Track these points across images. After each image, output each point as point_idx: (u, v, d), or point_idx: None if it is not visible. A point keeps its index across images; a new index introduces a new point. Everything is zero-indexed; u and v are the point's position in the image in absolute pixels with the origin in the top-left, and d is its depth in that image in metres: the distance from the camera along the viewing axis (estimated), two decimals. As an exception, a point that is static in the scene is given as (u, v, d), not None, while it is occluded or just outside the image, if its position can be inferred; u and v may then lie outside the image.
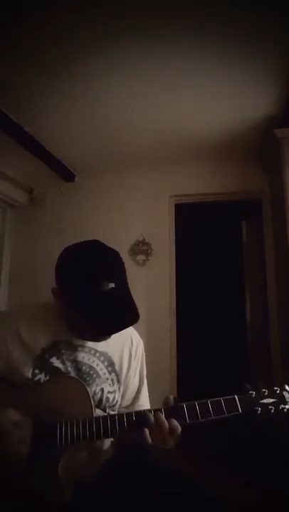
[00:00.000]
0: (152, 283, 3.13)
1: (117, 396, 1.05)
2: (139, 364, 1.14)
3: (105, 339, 0.99)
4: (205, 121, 2.58)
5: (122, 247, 3.22)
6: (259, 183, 3.11)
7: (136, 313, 0.90)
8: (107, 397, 1.02)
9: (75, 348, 1.01)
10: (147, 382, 1.16)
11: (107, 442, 1.03)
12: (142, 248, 3.21)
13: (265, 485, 2.15)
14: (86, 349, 1.02)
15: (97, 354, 1.03)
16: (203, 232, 4.37)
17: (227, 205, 3.45)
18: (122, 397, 1.09)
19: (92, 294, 0.87)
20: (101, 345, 1.04)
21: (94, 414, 0.90)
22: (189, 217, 3.56)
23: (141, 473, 0.96)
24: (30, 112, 2.42)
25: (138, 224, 3.27)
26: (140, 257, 3.20)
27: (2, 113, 2.36)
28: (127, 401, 1.11)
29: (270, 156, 2.74)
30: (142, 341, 1.17)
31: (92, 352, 1.03)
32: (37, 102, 2.30)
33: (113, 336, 0.98)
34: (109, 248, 0.96)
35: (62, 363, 0.98)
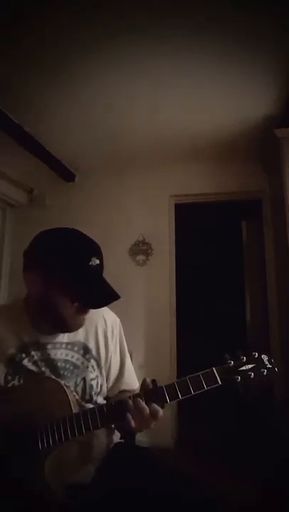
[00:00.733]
0: (152, 283, 3.13)
1: (100, 381, 1.05)
2: (118, 342, 1.13)
3: (79, 327, 0.99)
4: (205, 121, 2.58)
5: (122, 247, 3.23)
6: (259, 183, 3.11)
7: (116, 292, 0.94)
8: (91, 385, 1.02)
9: (44, 347, 0.99)
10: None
11: (98, 437, 1.02)
12: (142, 248, 3.21)
13: (265, 485, 2.15)
14: (57, 345, 1.00)
15: (69, 346, 1.02)
16: (203, 232, 4.37)
17: (227, 205, 3.45)
18: (107, 379, 1.09)
19: (83, 266, 0.90)
20: (70, 336, 1.02)
21: (74, 410, 0.90)
22: (189, 217, 3.56)
23: (138, 472, 0.96)
24: (30, 112, 2.42)
25: (138, 224, 3.27)
26: (140, 257, 3.20)
27: (2, 113, 2.36)
28: (112, 380, 1.10)
29: (270, 156, 2.74)
30: (117, 318, 1.16)
31: (64, 346, 1.01)
32: (37, 102, 2.30)
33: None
34: (83, 232, 1.00)
35: (35, 364, 0.97)
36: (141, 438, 2.94)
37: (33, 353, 0.98)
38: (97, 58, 1.92)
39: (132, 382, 1.14)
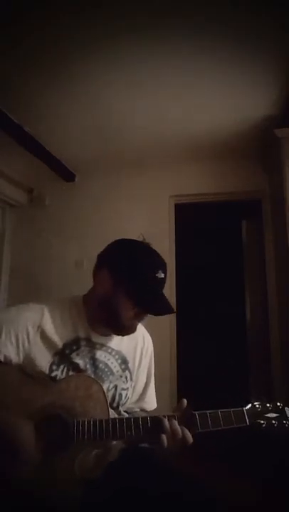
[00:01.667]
0: (152, 283, 3.12)
1: (129, 393, 1.09)
2: (148, 361, 1.19)
3: (132, 331, 1.05)
4: (205, 121, 2.58)
5: (122, 247, 3.22)
6: (259, 183, 3.10)
7: (172, 306, 1.02)
8: (120, 394, 1.06)
9: (93, 346, 1.04)
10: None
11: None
12: (142, 248, 3.21)
13: (265, 485, 2.15)
14: (103, 347, 1.06)
15: (113, 352, 1.08)
16: (203, 232, 4.37)
17: (227, 205, 3.45)
18: (132, 393, 1.12)
19: (151, 277, 0.99)
20: (115, 344, 1.09)
21: (109, 414, 0.93)
22: (189, 217, 3.56)
23: (142, 472, 0.97)
24: (30, 112, 2.42)
25: (138, 224, 3.26)
26: (140, 257, 3.19)
27: (2, 113, 2.36)
28: (135, 396, 1.14)
29: (270, 156, 2.74)
30: (151, 341, 1.23)
31: (109, 350, 1.07)
32: (37, 102, 2.30)
33: (126, 336, 1.06)
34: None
35: (82, 359, 1.01)
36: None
37: (83, 348, 1.03)
38: (97, 58, 1.92)
39: (152, 402, 1.19)
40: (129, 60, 1.94)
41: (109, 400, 1.00)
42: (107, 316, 1.02)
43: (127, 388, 1.08)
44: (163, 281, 1.01)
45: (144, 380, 1.17)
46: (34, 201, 3.53)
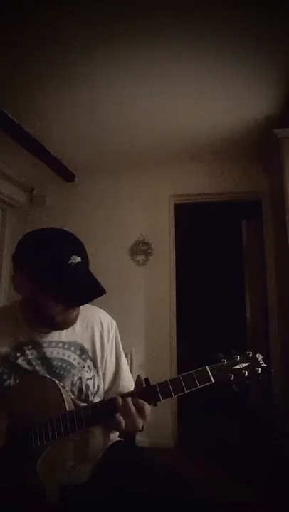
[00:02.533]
0: (152, 283, 3.13)
1: (97, 381, 1.06)
2: (114, 345, 1.14)
3: (71, 324, 0.99)
4: (205, 121, 2.58)
5: (122, 247, 3.23)
6: (259, 183, 3.11)
7: (102, 287, 0.93)
8: (87, 385, 1.03)
9: (40, 346, 1.01)
10: (148, 382, 1.16)
11: (94, 436, 1.02)
12: (141, 248, 3.21)
13: (265, 485, 2.15)
14: (53, 343, 1.02)
15: (66, 345, 1.03)
16: (203, 232, 4.37)
17: (227, 205, 3.45)
18: (103, 380, 1.09)
19: (62, 266, 0.90)
20: (67, 336, 1.04)
21: (68, 408, 0.91)
22: (189, 217, 3.56)
23: (131, 472, 0.96)
24: (30, 112, 2.42)
25: (138, 224, 3.27)
26: (140, 257, 3.20)
27: (2, 113, 2.36)
28: (108, 383, 1.11)
29: (270, 156, 2.74)
30: (114, 321, 1.17)
31: (60, 345, 1.03)
32: (37, 102, 2.30)
33: (79, 323, 1.02)
34: (69, 231, 1.00)
35: (29, 363, 0.99)
36: (141, 438, 2.93)
37: (27, 352, 0.99)
38: (97, 58, 1.92)
39: (129, 384, 1.14)
40: (129, 61, 1.94)
41: (76, 393, 1.00)
42: (40, 316, 0.97)
43: (93, 377, 1.05)
44: (81, 265, 0.92)
45: (114, 364, 1.13)
46: (34, 201, 3.54)
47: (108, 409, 0.90)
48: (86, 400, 1.02)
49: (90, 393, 1.03)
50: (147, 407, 0.90)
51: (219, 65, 1.98)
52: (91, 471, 1.00)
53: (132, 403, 0.90)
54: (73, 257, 0.91)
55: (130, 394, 0.92)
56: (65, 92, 2.22)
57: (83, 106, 2.38)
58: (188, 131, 2.72)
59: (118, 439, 1.13)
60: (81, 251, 0.95)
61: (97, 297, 0.91)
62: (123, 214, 3.32)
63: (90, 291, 0.92)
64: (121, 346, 1.16)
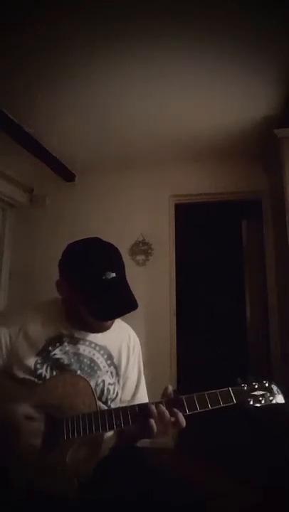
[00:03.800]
0: (152, 283, 3.13)
1: (116, 388, 1.09)
2: (137, 359, 1.19)
3: (105, 330, 1.03)
4: (205, 121, 2.58)
5: (122, 247, 3.20)
6: (259, 183, 3.11)
7: (134, 301, 0.97)
8: (108, 389, 1.06)
9: (76, 341, 1.05)
10: (147, 382, 1.19)
11: (107, 437, 1.03)
12: (142, 248, 3.21)
13: (265, 485, 2.15)
14: (87, 342, 1.07)
15: (97, 347, 1.08)
16: (203, 232, 4.37)
17: (227, 205, 3.45)
18: (122, 390, 1.12)
19: (96, 281, 0.95)
20: (100, 339, 1.09)
21: (97, 409, 0.94)
22: (189, 217, 3.56)
23: (127, 473, 0.97)
24: (30, 112, 2.42)
25: (138, 224, 3.27)
26: (140, 257, 3.20)
27: (2, 113, 2.36)
28: (127, 394, 1.14)
29: (270, 156, 2.74)
30: (138, 340, 1.23)
31: (93, 345, 1.08)
32: (37, 102, 2.30)
33: (112, 331, 1.05)
34: (109, 243, 1.06)
35: (65, 354, 1.03)
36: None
37: (66, 343, 1.04)
38: (97, 58, 1.92)
39: (144, 400, 1.17)
40: (129, 60, 1.94)
41: (97, 394, 1.02)
42: (77, 318, 1.03)
43: (114, 383, 1.08)
44: (114, 280, 0.95)
45: (136, 377, 1.17)
46: (34, 201, 3.53)
47: (142, 414, 0.92)
48: (105, 403, 1.05)
49: (109, 398, 1.06)
50: (181, 416, 0.92)
51: (219, 65, 1.98)
52: (91, 471, 1.00)
53: (167, 410, 0.92)
54: (107, 272, 0.95)
55: (159, 402, 0.94)
56: (65, 92, 2.22)
57: (83, 106, 2.38)
58: (188, 131, 2.72)
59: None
60: (115, 267, 0.98)
61: (126, 313, 0.95)
62: (123, 214, 3.32)
63: (120, 306, 0.96)
64: (142, 364, 1.21)
